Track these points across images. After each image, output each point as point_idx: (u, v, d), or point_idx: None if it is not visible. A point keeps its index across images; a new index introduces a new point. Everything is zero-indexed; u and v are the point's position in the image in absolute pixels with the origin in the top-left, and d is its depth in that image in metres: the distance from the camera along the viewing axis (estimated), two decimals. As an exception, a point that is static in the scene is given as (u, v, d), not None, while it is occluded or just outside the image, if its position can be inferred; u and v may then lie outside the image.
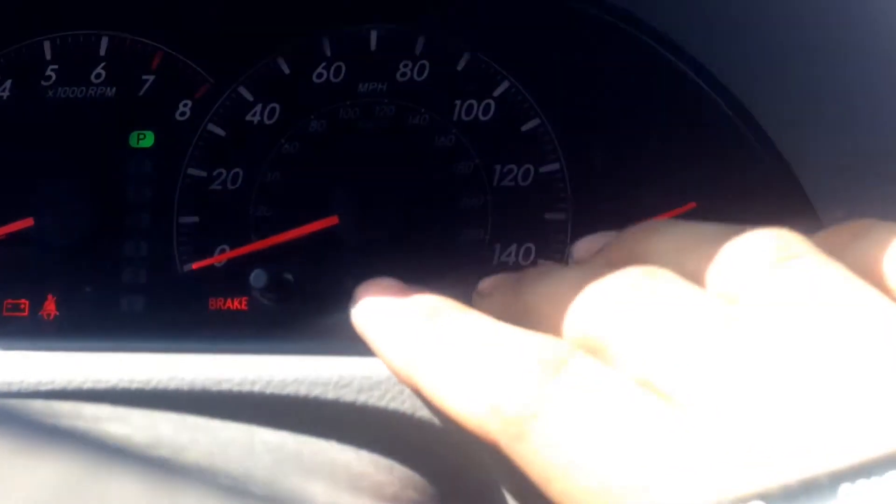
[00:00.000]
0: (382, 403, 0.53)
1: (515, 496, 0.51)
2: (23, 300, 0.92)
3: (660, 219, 0.89)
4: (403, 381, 0.49)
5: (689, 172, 0.89)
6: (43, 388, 0.56)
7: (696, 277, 0.44)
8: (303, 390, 0.53)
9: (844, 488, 0.28)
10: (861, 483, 0.28)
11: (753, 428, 0.36)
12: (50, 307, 0.92)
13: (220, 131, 0.93)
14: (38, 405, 0.46)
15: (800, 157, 0.84)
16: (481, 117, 0.92)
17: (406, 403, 0.52)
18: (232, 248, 0.91)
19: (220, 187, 0.92)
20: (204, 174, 0.93)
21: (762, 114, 0.87)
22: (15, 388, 0.57)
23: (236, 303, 0.91)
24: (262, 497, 0.30)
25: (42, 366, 0.58)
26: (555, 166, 0.90)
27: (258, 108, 0.94)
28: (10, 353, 0.66)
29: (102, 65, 0.96)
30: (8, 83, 0.95)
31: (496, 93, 0.92)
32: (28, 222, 0.92)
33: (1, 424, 0.31)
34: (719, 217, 0.91)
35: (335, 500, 0.38)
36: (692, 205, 0.89)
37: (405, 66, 0.94)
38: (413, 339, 0.48)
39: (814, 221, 0.78)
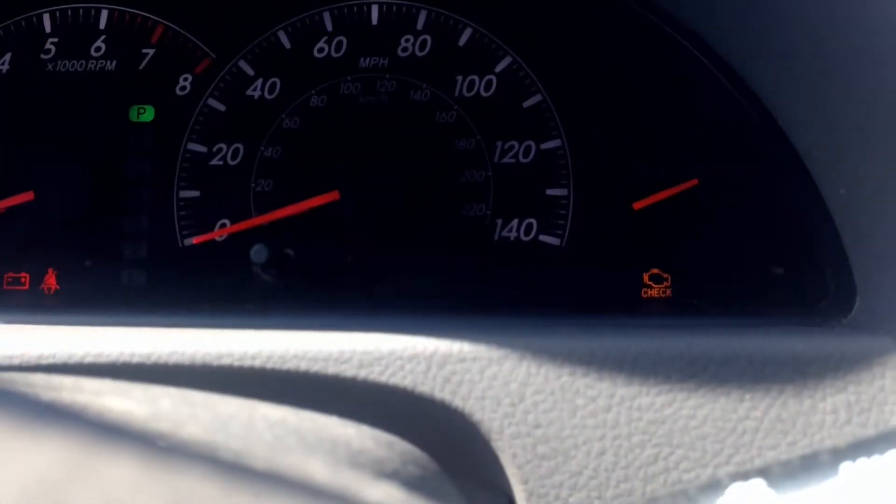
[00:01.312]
0: (383, 379, 0.53)
1: None
2: (23, 274, 0.92)
3: (662, 196, 0.89)
4: None
5: (691, 149, 0.89)
6: (44, 361, 0.57)
7: None
8: (303, 365, 0.53)
9: (845, 466, 0.28)
10: (861, 461, 0.28)
11: None
12: (50, 281, 0.92)
13: (220, 106, 0.93)
14: (39, 379, 0.46)
15: (802, 135, 0.84)
16: (483, 93, 0.92)
17: (407, 379, 0.53)
18: (233, 222, 0.91)
19: (220, 162, 0.92)
20: (204, 149, 0.92)
21: (764, 90, 0.86)
22: (16, 361, 0.57)
23: (237, 277, 0.91)
24: (263, 472, 0.30)
25: (43, 340, 0.58)
26: (556, 143, 0.90)
27: (259, 82, 0.93)
28: (11, 327, 0.66)
29: (102, 38, 0.95)
30: (7, 56, 0.95)
31: (498, 68, 0.92)
32: (28, 196, 0.92)
33: (2, 399, 0.31)
34: (721, 193, 0.90)
35: (336, 476, 0.38)
36: (694, 181, 0.88)
37: (406, 40, 0.93)
38: None
39: (816, 199, 0.78)
